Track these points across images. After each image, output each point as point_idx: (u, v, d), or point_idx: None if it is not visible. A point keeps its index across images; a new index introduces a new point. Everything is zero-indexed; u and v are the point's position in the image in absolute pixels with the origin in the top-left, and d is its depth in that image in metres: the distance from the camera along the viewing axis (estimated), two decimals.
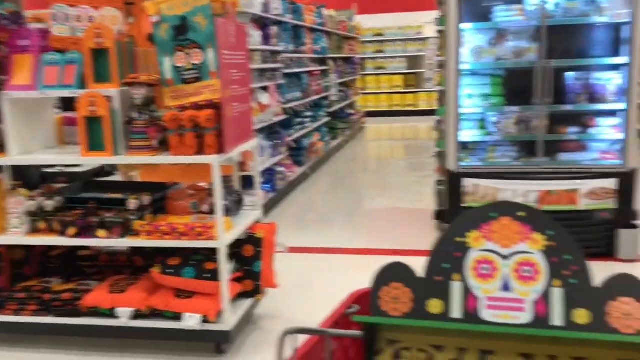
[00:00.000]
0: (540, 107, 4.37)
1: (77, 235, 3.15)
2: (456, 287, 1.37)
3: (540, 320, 1.31)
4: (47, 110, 3.53)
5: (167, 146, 3.00)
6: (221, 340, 3.15)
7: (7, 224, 3.23)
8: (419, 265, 1.45)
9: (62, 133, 3.62)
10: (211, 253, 3.09)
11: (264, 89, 6.27)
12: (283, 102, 6.88)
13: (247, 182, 3.83)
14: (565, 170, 4.38)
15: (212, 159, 2.93)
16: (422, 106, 14.28)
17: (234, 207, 3.33)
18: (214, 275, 3.05)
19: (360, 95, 13.27)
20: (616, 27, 4.34)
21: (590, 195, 4.30)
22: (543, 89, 4.32)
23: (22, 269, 3.46)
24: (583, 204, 4.30)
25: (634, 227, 4.30)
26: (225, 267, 3.04)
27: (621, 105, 4.31)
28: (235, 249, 3.28)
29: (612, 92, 4.41)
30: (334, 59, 10.27)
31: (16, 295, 3.28)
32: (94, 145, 3.02)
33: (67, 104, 3.91)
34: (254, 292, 3.36)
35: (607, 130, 4.45)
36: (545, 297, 1.31)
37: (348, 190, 7.55)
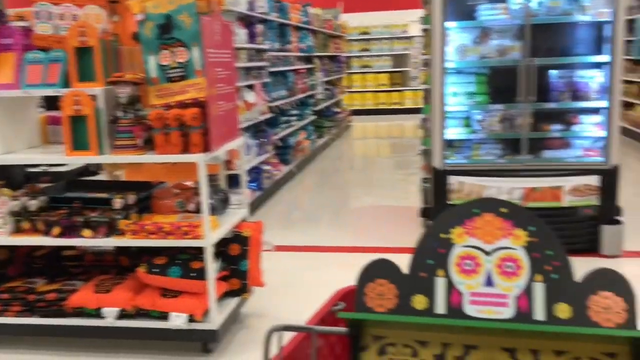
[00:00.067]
0: (524, 105, 4.41)
1: (62, 235, 3.12)
2: (440, 283, 1.39)
3: (523, 315, 1.33)
4: (30, 109, 3.50)
5: (153, 145, 2.98)
6: (208, 339, 3.15)
7: None
8: (405, 262, 1.46)
9: (46, 132, 3.59)
10: (197, 252, 3.08)
11: (250, 87, 6.26)
12: (269, 101, 6.87)
13: (233, 180, 3.83)
14: (549, 168, 4.42)
15: (197, 158, 2.92)
16: (408, 104, 14.34)
17: (220, 205, 3.33)
18: (200, 274, 3.05)
19: (346, 94, 13.28)
20: (598, 26, 4.38)
21: (573, 192, 4.35)
22: (527, 87, 4.36)
23: (6, 270, 3.43)
24: (567, 201, 4.35)
25: (617, 223, 4.36)
26: (212, 266, 3.04)
27: (603, 103, 4.36)
28: (222, 247, 3.28)
29: (595, 89, 4.47)
30: (320, 58, 10.27)
31: None
32: (79, 144, 3.00)
33: (51, 102, 3.88)
34: (241, 291, 3.36)
35: (590, 127, 4.51)
36: (527, 292, 1.33)
37: (334, 188, 7.56)
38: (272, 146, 6.94)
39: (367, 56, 14.74)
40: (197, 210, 3.12)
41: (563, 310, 1.31)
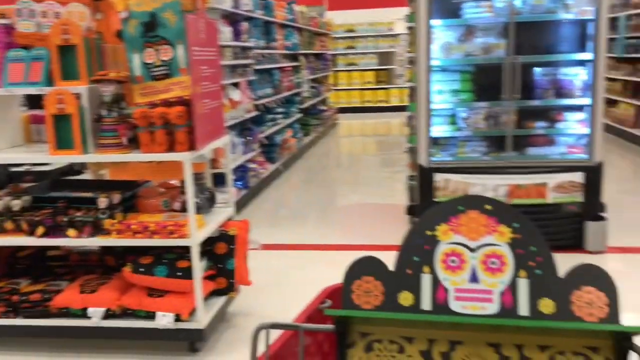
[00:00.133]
0: (508, 102, 4.44)
1: (46, 234, 3.10)
2: (426, 280, 1.39)
3: (507, 310, 1.34)
4: (13, 108, 3.47)
5: (138, 144, 2.97)
6: (195, 339, 3.14)
7: None
8: (391, 260, 1.46)
9: (29, 131, 3.55)
10: (183, 251, 3.07)
11: (235, 85, 6.24)
12: (254, 99, 6.85)
13: (219, 179, 3.81)
14: (533, 165, 4.46)
15: (183, 156, 2.91)
16: (394, 102, 14.39)
17: (206, 204, 3.31)
18: (186, 274, 3.04)
19: (332, 92, 13.29)
20: (582, 24, 4.43)
21: (558, 188, 4.39)
22: (511, 84, 4.39)
23: None
24: (551, 198, 4.39)
25: (601, 219, 4.41)
26: (198, 265, 3.03)
27: (587, 101, 4.41)
28: (208, 246, 3.27)
29: (579, 87, 4.51)
30: (306, 55, 10.26)
31: None
32: (63, 143, 2.97)
33: (34, 101, 3.84)
34: (228, 290, 3.35)
35: (574, 124, 4.55)
36: (511, 287, 1.35)
37: (321, 186, 7.57)
38: (258, 144, 6.93)
39: (353, 54, 14.76)
40: (183, 209, 3.11)
41: (547, 306, 1.33)
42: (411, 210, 5.04)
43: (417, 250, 1.41)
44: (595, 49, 4.27)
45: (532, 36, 4.50)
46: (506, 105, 4.46)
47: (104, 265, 3.43)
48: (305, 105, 9.85)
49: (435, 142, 4.65)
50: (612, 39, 9.61)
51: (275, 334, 1.64)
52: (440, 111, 4.67)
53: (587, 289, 1.31)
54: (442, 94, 4.63)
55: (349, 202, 6.56)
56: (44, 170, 4.66)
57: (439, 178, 4.48)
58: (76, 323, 3.12)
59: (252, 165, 6.57)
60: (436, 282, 1.39)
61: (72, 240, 3.09)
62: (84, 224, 3.07)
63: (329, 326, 1.44)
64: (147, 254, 3.15)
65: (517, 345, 1.33)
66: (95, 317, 3.08)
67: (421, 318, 1.35)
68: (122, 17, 2.89)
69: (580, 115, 4.52)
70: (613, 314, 1.30)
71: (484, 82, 4.63)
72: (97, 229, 3.07)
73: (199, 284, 3.04)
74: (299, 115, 9.21)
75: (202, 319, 3.07)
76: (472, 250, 1.38)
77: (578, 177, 4.37)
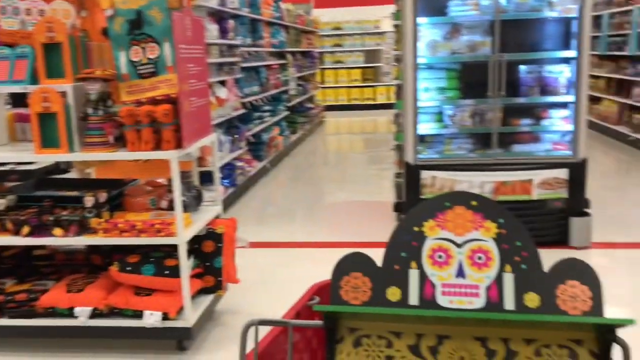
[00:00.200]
0: (494, 100, 4.47)
1: (31, 234, 3.07)
2: (413, 275, 1.41)
3: (493, 304, 1.36)
4: None
5: (124, 142, 2.95)
6: (182, 337, 3.13)
7: None
8: (379, 256, 1.48)
9: (13, 130, 3.52)
10: (171, 249, 3.07)
11: (222, 83, 6.22)
12: (241, 96, 6.84)
13: (206, 177, 3.81)
14: (519, 162, 4.50)
15: (170, 155, 2.90)
16: (381, 100, 14.43)
17: (193, 202, 3.31)
18: (174, 272, 3.03)
19: (319, 89, 13.30)
20: (566, 22, 4.47)
21: (543, 185, 4.43)
22: (497, 82, 4.43)
23: None
24: (536, 194, 4.43)
25: (585, 215, 4.46)
26: (186, 264, 3.02)
27: (571, 98, 4.46)
28: (195, 245, 3.26)
29: (563, 84, 4.56)
30: (293, 53, 10.26)
31: None
32: (48, 141, 2.95)
33: (19, 99, 3.80)
34: (215, 288, 3.35)
35: (558, 121, 4.60)
36: (497, 282, 1.36)
37: (308, 184, 7.57)
38: (245, 142, 6.92)
39: (340, 52, 14.77)
40: (170, 208, 3.10)
41: (532, 300, 1.35)
42: (398, 208, 5.07)
43: (405, 246, 1.43)
44: (579, 47, 4.31)
45: (517, 34, 4.54)
46: (492, 102, 4.49)
47: (90, 265, 3.41)
48: (292, 103, 9.85)
49: (421, 139, 4.67)
50: (595, 37, 9.72)
51: (264, 330, 1.65)
52: (426, 109, 4.69)
53: (572, 282, 1.34)
54: (428, 91, 4.65)
55: (336, 200, 6.58)
56: (29, 169, 4.62)
57: (425, 175, 4.51)
58: (63, 323, 3.10)
59: (239, 163, 6.56)
60: (423, 278, 1.40)
61: (58, 240, 3.07)
62: (70, 223, 3.05)
63: (318, 322, 1.45)
64: (134, 253, 3.14)
65: (503, 339, 1.35)
66: (82, 317, 3.06)
67: (409, 313, 1.36)
68: (108, 14, 2.88)
69: (565, 113, 4.57)
70: (597, 307, 1.33)
71: (469, 79, 4.66)
72: (84, 228, 3.05)
73: (186, 283, 3.03)
74: (286, 113, 9.21)
75: (189, 318, 3.07)
76: (458, 245, 1.40)
77: (562, 173, 4.42)
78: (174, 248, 3.02)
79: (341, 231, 5.27)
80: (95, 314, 3.08)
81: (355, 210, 5.97)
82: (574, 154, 4.45)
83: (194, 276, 3.21)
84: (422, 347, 1.38)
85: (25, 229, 3.07)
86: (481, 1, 4.50)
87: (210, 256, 3.30)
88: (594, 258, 4.31)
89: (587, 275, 1.34)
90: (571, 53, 4.41)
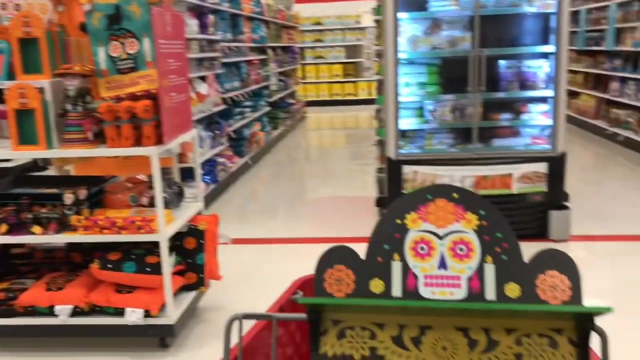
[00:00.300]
0: (474, 94, 4.51)
1: (9, 232, 3.03)
2: (396, 267, 1.42)
3: (475, 295, 1.37)
4: None
5: (104, 138, 2.92)
6: (165, 334, 3.12)
7: None
8: (361, 251, 1.48)
9: None
10: (152, 246, 3.05)
11: (202, 78, 6.19)
12: (222, 92, 6.81)
13: (187, 173, 3.79)
14: (499, 156, 4.54)
15: (150, 151, 2.88)
16: (362, 95, 14.46)
17: (174, 199, 3.29)
18: (155, 269, 3.01)
19: (300, 85, 13.28)
20: (545, 17, 4.52)
21: (522, 179, 4.48)
22: (477, 77, 4.46)
23: None
24: (516, 188, 4.48)
25: (564, 208, 4.52)
26: (167, 261, 3.01)
27: (550, 92, 4.51)
28: (177, 241, 3.25)
29: (542, 79, 4.61)
30: (273, 48, 10.23)
31: None
32: (26, 138, 2.91)
33: None
34: (198, 285, 3.33)
35: (537, 116, 4.65)
36: (478, 273, 1.38)
37: (290, 179, 7.57)
38: (226, 138, 6.89)
39: (321, 47, 14.77)
40: (151, 204, 3.08)
41: (513, 290, 1.36)
42: (380, 202, 5.09)
43: (388, 238, 1.43)
44: (557, 42, 4.36)
45: (496, 29, 4.58)
46: (472, 97, 4.53)
47: (70, 262, 3.38)
48: (274, 98, 9.82)
49: (403, 134, 4.69)
50: (573, 32, 9.84)
51: (248, 325, 1.65)
52: (408, 104, 4.71)
53: (551, 272, 1.36)
54: (409, 86, 4.67)
55: (319, 195, 6.59)
56: (5, 166, 4.55)
57: (407, 170, 4.53)
58: (43, 321, 3.07)
59: (220, 160, 6.53)
60: (406, 269, 1.41)
61: (37, 237, 3.03)
62: (50, 221, 3.01)
63: (302, 315, 1.46)
64: (115, 250, 3.11)
65: (485, 329, 1.36)
66: (63, 315, 3.03)
67: (392, 304, 1.37)
68: (86, 9, 2.84)
69: (544, 107, 4.63)
70: (576, 297, 1.35)
71: (450, 75, 4.69)
72: (63, 226, 3.02)
73: (168, 280, 3.02)
74: (267, 109, 9.19)
75: (172, 315, 3.06)
76: (440, 237, 1.41)
77: (542, 167, 4.47)
78: (155, 245, 3.00)
79: (323, 226, 5.27)
80: (76, 312, 3.05)
81: (338, 206, 5.98)
82: (553, 148, 4.50)
83: (176, 273, 3.19)
84: (404, 337, 1.39)
85: (3, 227, 3.02)
86: None
87: (192, 253, 3.29)
88: (573, 250, 4.38)
89: (566, 265, 1.36)
90: (550, 48, 4.46)
